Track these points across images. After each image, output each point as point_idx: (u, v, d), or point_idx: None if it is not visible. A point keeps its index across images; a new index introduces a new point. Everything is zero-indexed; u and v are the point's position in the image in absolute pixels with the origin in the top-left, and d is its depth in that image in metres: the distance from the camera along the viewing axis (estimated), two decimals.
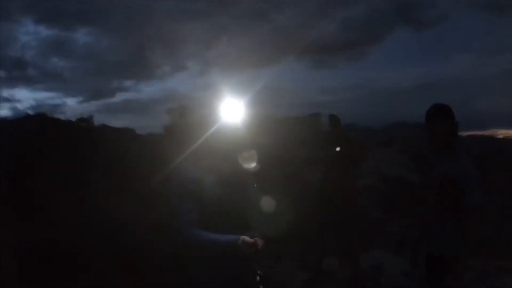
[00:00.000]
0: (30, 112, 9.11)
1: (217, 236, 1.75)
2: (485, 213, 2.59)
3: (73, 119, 8.29)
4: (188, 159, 1.89)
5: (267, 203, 2.00)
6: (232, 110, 1.90)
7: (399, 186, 9.37)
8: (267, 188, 2.09)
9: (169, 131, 13.35)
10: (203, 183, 1.84)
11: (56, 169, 5.31)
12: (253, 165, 1.98)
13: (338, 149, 4.34)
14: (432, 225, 2.45)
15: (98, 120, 9.12)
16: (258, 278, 1.90)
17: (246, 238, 1.73)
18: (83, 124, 8.39)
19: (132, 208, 4.77)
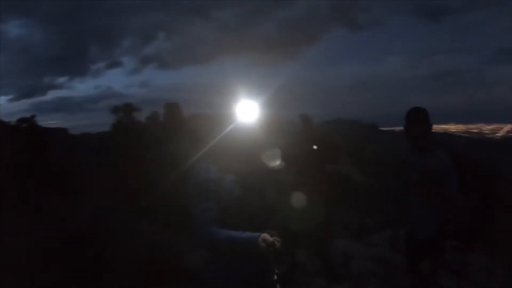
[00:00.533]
0: None
1: (236, 233, 1.76)
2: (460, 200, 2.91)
3: (6, 119, 7.64)
4: (206, 158, 1.89)
5: (286, 202, 2.04)
6: (247, 110, 1.89)
7: (338, 180, 9.48)
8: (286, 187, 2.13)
9: (117, 129, 12.82)
10: (222, 183, 1.85)
11: None
12: (277, 163, 2.02)
13: (315, 147, 4.49)
14: (415, 213, 2.73)
15: None
16: (275, 277, 1.91)
17: (266, 236, 1.73)
18: (24, 125, 7.76)
19: None
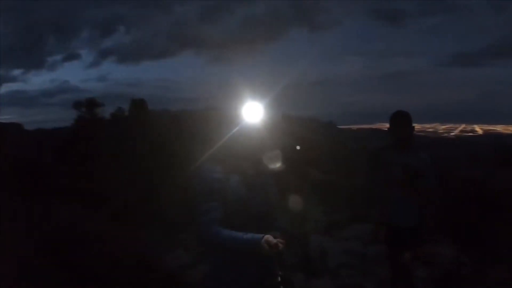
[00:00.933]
0: None
1: (240, 234, 1.75)
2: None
3: None
4: (212, 158, 1.89)
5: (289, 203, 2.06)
6: (253, 111, 1.91)
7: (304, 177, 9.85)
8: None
9: (80, 126, 12.28)
10: (227, 183, 1.85)
11: None
12: (278, 164, 2.04)
13: (298, 147, 4.57)
14: (396, 206, 2.95)
15: None
16: (279, 279, 1.91)
17: (270, 237, 1.72)
18: None
19: None
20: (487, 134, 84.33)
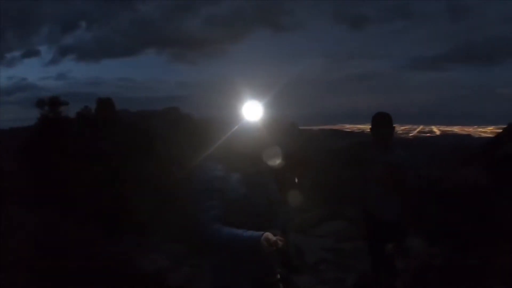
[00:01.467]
0: None
1: (239, 232, 1.75)
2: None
3: None
4: (212, 157, 1.91)
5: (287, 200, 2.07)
6: (252, 110, 1.93)
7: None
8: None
9: (44, 125, 11.70)
10: (228, 181, 1.86)
11: None
12: (277, 162, 2.06)
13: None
14: (378, 200, 3.11)
15: None
16: (278, 276, 1.93)
17: (270, 235, 1.72)
18: None
19: None
20: (444, 135, 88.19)
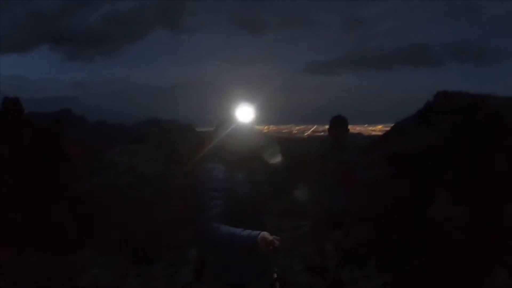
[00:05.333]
0: None
1: (238, 231, 1.77)
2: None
3: None
4: (216, 156, 1.98)
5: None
6: (246, 112, 2.03)
7: (158, 183, 9.14)
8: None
9: None
10: (234, 180, 1.92)
11: None
12: (277, 159, 2.22)
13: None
14: (330, 192, 3.46)
15: None
16: (274, 275, 1.97)
17: (266, 234, 1.74)
18: None
19: None
20: None
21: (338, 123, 3.51)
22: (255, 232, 1.75)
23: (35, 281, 4.38)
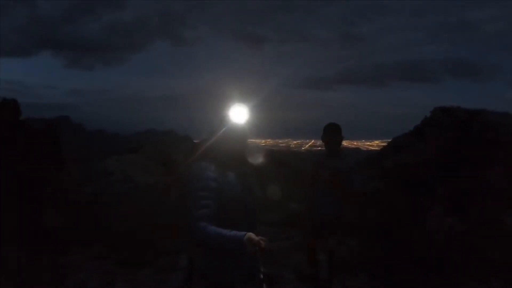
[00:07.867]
0: None
1: (225, 231, 1.77)
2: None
3: None
4: (206, 157, 1.97)
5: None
6: (239, 112, 2.03)
7: (151, 191, 8.71)
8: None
9: None
10: (224, 180, 1.92)
11: None
12: (260, 160, 2.22)
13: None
14: (323, 200, 3.44)
15: None
16: (261, 276, 1.94)
17: (252, 235, 1.73)
18: None
19: None
20: None
21: (331, 129, 3.50)
22: (241, 233, 1.74)
23: (20, 283, 4.27)
